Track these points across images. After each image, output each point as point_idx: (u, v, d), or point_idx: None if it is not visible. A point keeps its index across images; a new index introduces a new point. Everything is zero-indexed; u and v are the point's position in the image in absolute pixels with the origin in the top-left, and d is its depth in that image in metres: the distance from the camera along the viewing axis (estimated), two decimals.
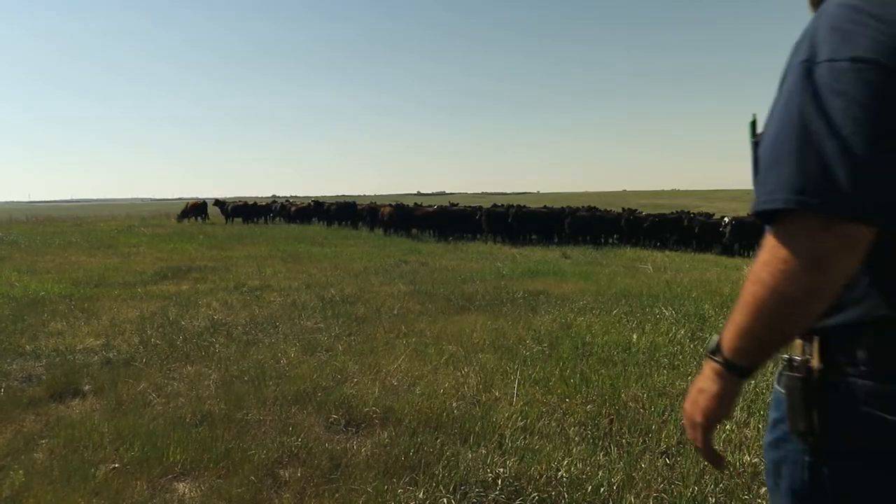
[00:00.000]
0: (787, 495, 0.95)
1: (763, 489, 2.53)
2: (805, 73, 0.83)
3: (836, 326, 0.88)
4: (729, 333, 0.91)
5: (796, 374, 0.91)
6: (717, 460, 1.02)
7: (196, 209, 28.37)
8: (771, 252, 0.84)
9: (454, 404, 3.46)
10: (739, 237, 16.00)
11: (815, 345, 0.90)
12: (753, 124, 0.97)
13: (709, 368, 0.96)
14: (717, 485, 2.54)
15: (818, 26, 0.86)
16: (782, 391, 0.94)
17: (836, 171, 0.78)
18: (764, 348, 0.89)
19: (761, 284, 0.84)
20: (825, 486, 0.89)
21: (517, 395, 3.61)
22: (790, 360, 0.93)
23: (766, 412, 3.35)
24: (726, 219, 16.33)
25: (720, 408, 0.95)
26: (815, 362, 0.90)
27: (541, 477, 2.62)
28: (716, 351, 0.94)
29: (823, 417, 0.88)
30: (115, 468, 2.72)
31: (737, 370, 0.92)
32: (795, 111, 0.83)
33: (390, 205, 21.25)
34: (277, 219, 28.02)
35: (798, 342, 0.93)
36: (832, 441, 0.88)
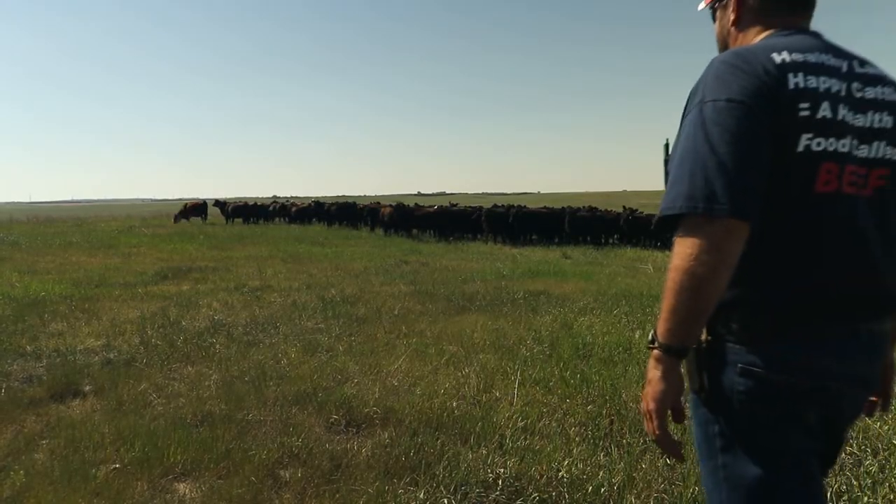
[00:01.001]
0: (700, 438, 1.22)
1: None
2: (699, 109, 1.13)
3: (718, 306, 1.11)
4: (660, 321, 1.12)
5: (699, 349, 1.18)
6: (674, 449, 1.17)
7: (195, 209, 28.31)
8: (681, 245, 1.09)
9: (455, 405, 3.46)
10: None
11: (713, 323, 1.17)
12: (667, 146, 1.21)
13: (651, 359, 1.15)
14: None
15: (707, 76, 1.16)
16: (689, 362, 1.19)
17: (715, 181, 1.06)
18: (688, 325, 1.10)
19: (677, 270, 1.08)
20: (720, 429, 1.16)
21: (518, 396, 3.61)
22: (705, 342, 1.19)
23: None
24: None
25: (666, 390, 1.13)
26: (703, 335, 1.17)
27: (541, 477, 2.62)
28: (653, 340, 1.15)
29: (710, 376, 1.16)
30: (115, 468, 2.72)
31: (671, 351, 1.11)
32: (691, 138, 1.12)
33: (390, 205, 21.26)
34: (278, 219, 28.01)
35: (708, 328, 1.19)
36: (717, 393, 1.16)
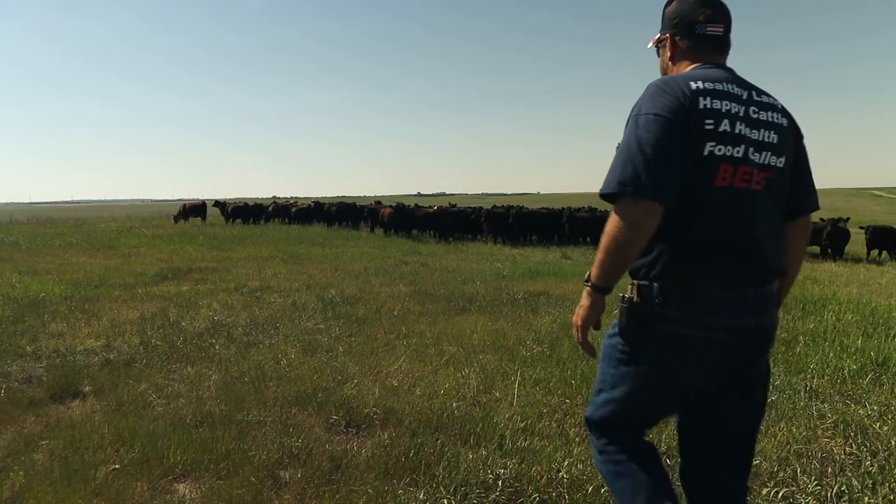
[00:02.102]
0: (609, 365, 1.67)
1: (764, 490, 2.53)
2: (634, 119, 1.51)
3: (642, 268, 1.56)
4: (594, 267, 1.53)
5: (624, 304, 1.59)
6: (591, 351, 1.63)
7: (194, 210, 28.25)
8: (612, 217, 1.47)
9: (454, 405, 3.46)
10: None
11: (634, 287, 1.58)
12: (618, 147, 1.56)
13: (584, 292, 1.58)
14: None
15: (644, 95, 1.55)
16: (621, 313, 1.60)
17: (641, 172, 1.44)
18: (611, 274, 1.51)
19: (607, 235, 1.48)
20: (637, 367, 1.60)
21: (518, 396, 3.61)
22: (623, 296, 1.60)
23: (767, 414, 3.36)
24: None
25: (591, 314, 1.57)
26: (634, 297, 1.57)
27: (541, 478, 2.62)
28: (587, 280, 1.56)
29: (637, 327, 1.57)
30: (115, 469, 2.72)
31: (598, 289, 1.55)
32: (627, 140, 1.50)
33: (391, 205, 21.26)
34: (278, 219, 27.99)
35: (629, 285, 1.60)
36: (640, 339, 1.57)
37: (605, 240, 1.48)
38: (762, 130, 1.57)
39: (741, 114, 1.54)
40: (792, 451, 2.87)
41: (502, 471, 2.66)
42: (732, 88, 1.57)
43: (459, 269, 10.41)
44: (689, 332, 1.53)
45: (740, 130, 1.52)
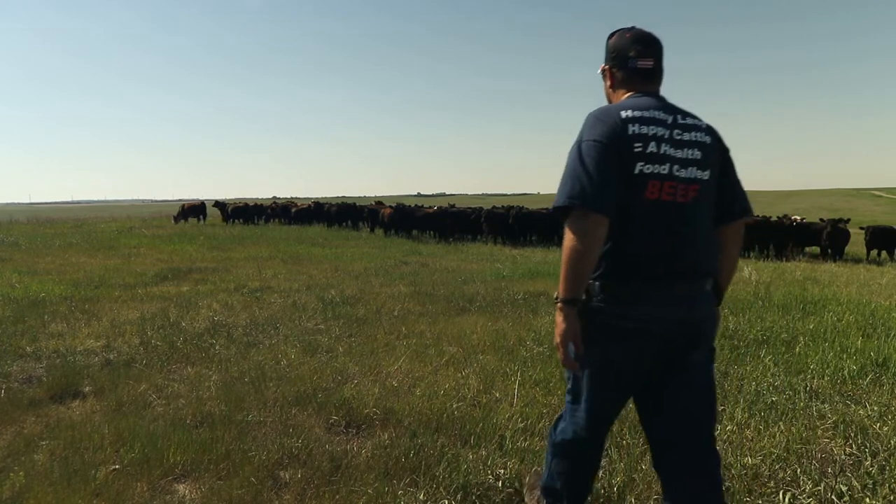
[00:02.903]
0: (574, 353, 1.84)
1: (764, 490, 2.53)
2: (577, 145, 1.75)
3: (591, 278, 1.77)
4: (560, 284, 1.73)
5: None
6: (572, 364, 1.81)
7: (193, 210, 28.23)
8: (567, 232, 1.70)
9: (455, 405, 3.46)
10: (745, 238, 15.98)
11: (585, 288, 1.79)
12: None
13: (557, 310, 1.76)
14: None
15: (585, 123, 1.79)
16: None
17: (586, 188, 1.67)
18: (575, 285, 1.71)
19: (566, 249, 1.70)
20: (588, 354, 1.80)
21: (518, 397, 3.61)
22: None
23: (766, 414, 3.36)
24: None
25: (569, 329, 1.74)
26: (582, 295, 1.76)
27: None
28: (556, 299, 1.75)
29: (585, 322, 1.77)
30: (115, 470, 2.72)
31: (568, 302, 1.73)
32: (573, 161, 1.73)
33: (391, 206, 21.26)
34: (278, 220, 27.99)
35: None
36: (589, 332, 1.78)
37: (564, 255, 1.71)
38: (686, 149, 1.80)
39: (666, 136, 1.78)
40: (792, 452, 2.87)
41: (502, 471, 2.66)
42: (658, 114, 1.80)
43: (459, 270, 10.41)
44: (624, 324, 1.77)
45: (665, 151, 1.76)
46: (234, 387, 3.85)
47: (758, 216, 18.56)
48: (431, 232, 19.94)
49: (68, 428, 3.19)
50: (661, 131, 1.77)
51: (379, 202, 24.54)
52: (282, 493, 2.55)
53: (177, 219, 27.74)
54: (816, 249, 16.24)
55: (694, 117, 1.87)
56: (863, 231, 15.86)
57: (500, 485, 2.56)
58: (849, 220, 16.19)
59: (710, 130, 1.87)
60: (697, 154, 1.81)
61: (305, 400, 3.57)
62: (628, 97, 1.89)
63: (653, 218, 1.75)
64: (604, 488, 2.53)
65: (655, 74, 1.93)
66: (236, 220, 27.43)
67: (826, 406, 3.49)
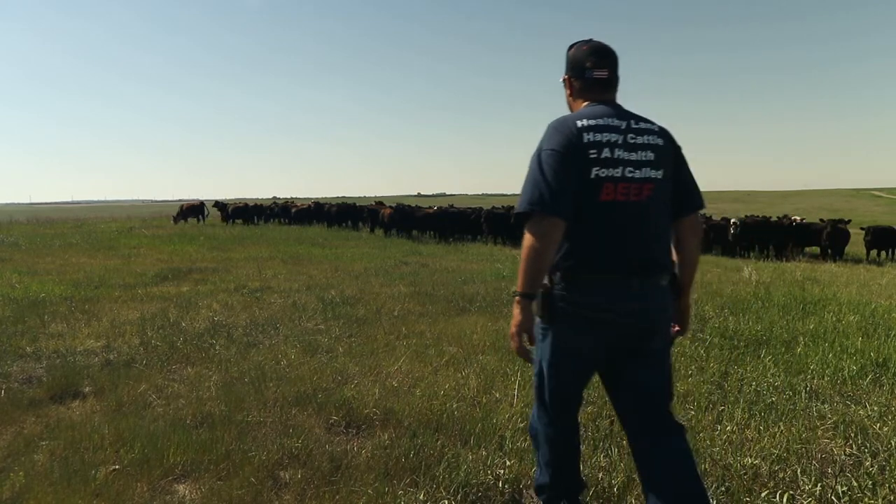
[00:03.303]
0: (538, 342, 2.03)
1: (764, 492, 2.53)
2: (538, 153, 1.93)
3: (552, 269, 1.94)
4: (519, 279, 1.89)
5: (540, 291, 1.94)
6: (527, 357, 1.98)
7: (192, 210, 28.20)
8: (527, 233, 1.87)
9: (454, 406, 3.46)
10: (745, 238, 16.01)
11: (547, 278, 1.95)
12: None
13: (515, 303, 1.91)
14: (718, 486, 2.54)
15: (545, 132, 1.96)
16: (537, 298, 1.95)
17: (545, 194, 1.84)
18: (532, 280, 1.88)
19: (525, 248, 1.87)
20: (551, 338, 2.00)
21: (518, 397, 3.61)
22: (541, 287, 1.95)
23: (766, 414, 3.36)
24: (734, 220, 16.34)
25: (524, 321, 1.91)
26: (547, 284, 1.95)
27: None
28: (514, 293, 1.91)
29: (547, 307, 1.96)
30: (115, 470, 2.72)
31: (525, 296, 1.89)
32: (532, 169, 1.91)
33: (391, 206, 21.25)
34: (278, 220, 27.98)
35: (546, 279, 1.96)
36: (549, 316, 1.97)
37: (523, 253, 1.88)
38: (639, 152, 1.94)
39: (619, 142, 1.92)
40: (792, 452, 2.87)
41: (502, 471, 2.66)
42: (613, 121, 1.95)
43: (459, 270, 10.41)
44: (582, 312, 1.94)
45: (618, 155, 1.91)
46: (234, 387, 3.85)
47: (758, 216, 18.58)
48: (431, 232, 19.93)
49: (68, 428, 3.19)
50: (614, 137, 1.92)
51: (379, 202, 24.54)
52: (282, 493, 2.55)
53: (176, 219, 27.74)
54: (816, 250, 16.25)
55: (647, 121, 2.03)
56: (863, 231, 15.87)
57: (500, 485, 2.56)
58: (849, 220, 16.20)
59: (662, 133, 2.02)
60: (650, 155, 1.96)
61: (305, 400, 3.57)
62: (586, 106, 2.05)
63: (608, 218, 1.92)
64: (604, 488, 2.53)
65: (611, 84, 2.08)
66: (236, 221, 27.43)
67: (826, 406, 3.49)
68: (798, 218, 17.78)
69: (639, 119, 2.01)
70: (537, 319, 1.99)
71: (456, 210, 20.29)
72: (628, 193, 1.92)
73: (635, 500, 2.46)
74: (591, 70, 2.05)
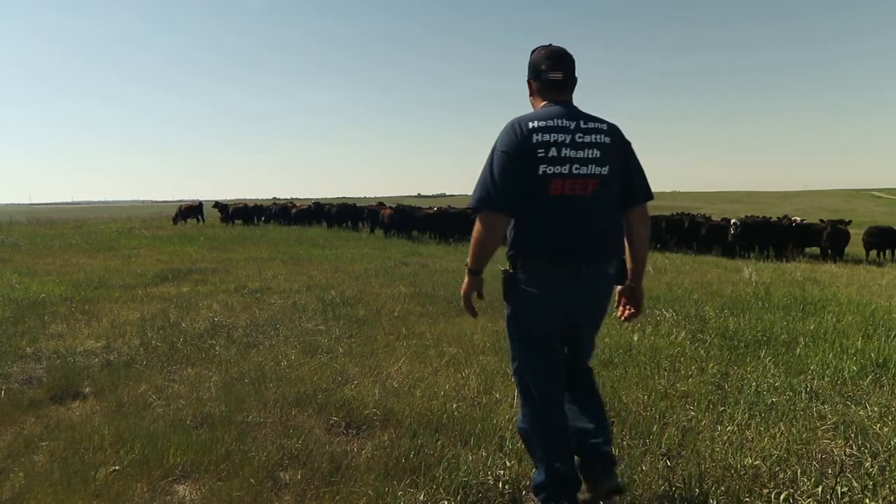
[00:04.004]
0: (506, 321, 2.33)
1: (765, 490, 2.53)
2: (491, 153, 2.17)
3: (510, 256, 2.24)
4: (469, 258, 2.24)
5: (503, 275, 2.25)
6: (472, 311, 2.38)
7: (191, 210, 28.17)
8: (476, 225, 2.17)
9: (455, 406, 3.46)
10: (745, 238, 16.02)
11: (509, 262, 2.25)
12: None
13: (466, 273, 2.29)
14: (718, 487, 2.54)
15: (502, 131, 2.17)
16: (502, 280, 2.27)
17: (492, 193, 2.12)
18: (479, 262, 2.23)
19: (475, 235, 2.18)
20: (513, 315, 2.29)
21: (518, 397, 3.60)
22: (503, 270, 2.27)
23: (767, 415, 3.36)
24: (734, 220, 16.34)
25: (470, 288, 2.30)
26: (508, 269, 2.25)
27: None
28: (466, 266, 2.27)
29: (508, 289, 2.25)
30: (115, 470, 2.72)
31: (473, 272, 2.27)
32: (484, 168, 2.16)
33: (391, 206, 21.25)
34: (278, 220, 27.97)
35: (508, 263, 2.27)
36: (511, 297, 2.26)
37: (473, 238, 2.20)
38: (586, 150, 2.14)
39: (567, 141, 2.13)
40: (792, 453, 2.87)
41: (502, 472, 2.66)
42: (563, 122, 2.15)
43: (459, 271, 10.40)
44: (537, 293, 2.19)
45: (566, 154, 2.12)
46: (234, 388, 3.85)
47: (758, 217, 18.58)
48: (431, 233, 19.93)
49: (68, 429, 3.19)
50: (562, 137, 2.13)
51: (380, 203, 24.52)
52: (282, 493, 2.55)
53: (175, 220, 27.73)
54: (816, 250, 16.25)
55: (597, 121, 2.22)
56: (865, 232, 15.87)
57: (499, 486, 2.56)
58: (850, 221, 16.20)
59: (611, 131, 2.22)
60: (597, 153, 2.15)
61: (305, 401, 3.57)
62: (542, 106, 2.25)
63: (556, 210, 2.14)
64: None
65: (566, 85, 2.26)
66: (236, 221, 27.42)
67: (826, 407, 3.49)
68: (797, 219, 17.77)
69: (588, 119, 2.20)
70: (507, 307, 2.30)
71: (456, 210, 20.28)
72: (574, 188, 2.13)
73: (635, 500, 2.46)
74: (547, 73, 2.24)
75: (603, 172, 2.16)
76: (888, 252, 16.15)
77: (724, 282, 9.23)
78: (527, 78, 2.34)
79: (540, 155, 2.10)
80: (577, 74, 2.29)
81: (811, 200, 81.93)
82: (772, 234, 16.26)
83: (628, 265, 2.33)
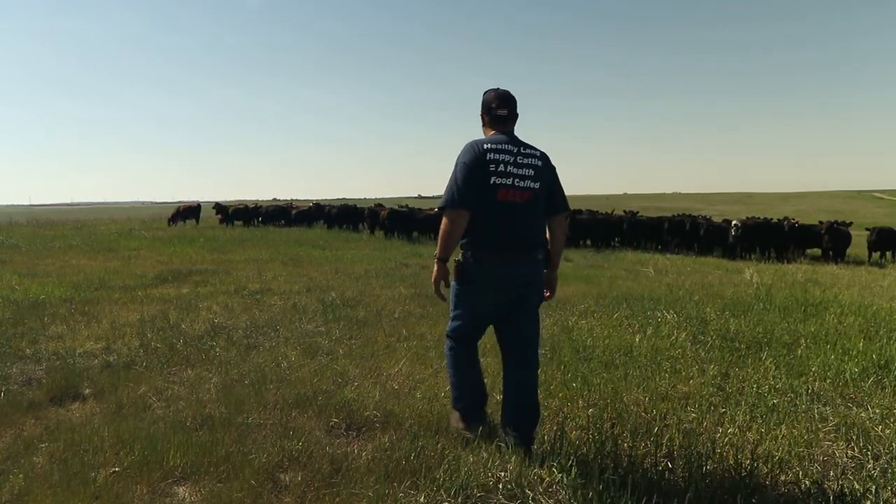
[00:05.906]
0: (453, 297, 3.02)
1: (766, 492, 2.52)
2: (455, 165, 2.84)
3: (464, 244, 2.87)
4: (437, 248, 2.87)
5: (457, 262, 2.89)
6: (441, 295, 2.99)
7: (188, 211, 28.11)
8: (444, 220, 2.82)
9: None
10: (746, 239, 16.01)
11: (462, 252, 2.89)
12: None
13: (435, 263, 2.91)
14: (718, 487, 2.53)
15: (463, 149, 2.85)
16: (455, 266, 2.90)
17: (456, 195, 2.78)
18: (446, 251, 2.86)
19: (442, 228, 2.83)
20: (461, 294, 2.97)
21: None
22: (456, 259, 2.89)
23: (768, 417, 3.34)
24: (735, 222, 16.33)
25: (439, 275, 2.92)
26: (461, 257, 2.89)
27: (542, 481, 2.61)
28: (435, 255, 2.89)
29: (461, 273, 2.88)
30: (115, 472, 2.71)
31: (440, 259, 2.88)
32: (451, 178, 2.82)
33: (391, 208, 21.24)
34: (278, 221, 27.94)
35: (461, 253, 2.90)
36: (462, 279, 2.90)
37: (441, 232, 2.81)
38: (524, 169, 2.83)
39: (511, 161, 2.81)
40: (793, 454, 2.86)
41: (503, 473, 2.65)
42: (507, 146, 2.84)
43: None
44: (483, 277, 2.84)
45: (510, 170, 2.79)
46: (234, 389, 3.84)
47: (758, 218, 18.56)
48: (432, 234, 19.92)
49: (68, 430, 3.18)
50: (508, 157, 2.81)
51: (379, 205, 24.51)
52: (282, 495, 2.54)
53: (172, 221, 27.62)
54: (817, 252, 16.24)
55: (531, 148, 2.91)
56: (867, 232, 15.85)
57: (500, 487, 2.55)
58: (851, 223, 16.19)
59: (542, 157, 2.91)
60: (531, 172, 2.84)
61: (306, 402, 3.57)
62: (492, 134, 2.93)
63: (502, 213, 2.79)
64: (613, 481, 2.52)
65: (509, 119, 2.96)
66: (236, 222, 27.39)
67: (828, 409, 3.48)
68: (792, 220, 17.74)
69: (526, 146, 2.90)
70: (454, 283, 2.91)
71: None
72: (515, 196, 2.80)
73: (635, 500, 2.46)
74: (496, 110, 2.94)
75: (535, 187, 2.84)
76: (889, 254, 16.14)
77: (726, 283, 9.23)
78: (480, 112, 3.01)
79: (492, 169, 2.76)
80: (518, 111, 2.97)
81: (812, 201, 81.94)
82: (773, 235, 16.25)
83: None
